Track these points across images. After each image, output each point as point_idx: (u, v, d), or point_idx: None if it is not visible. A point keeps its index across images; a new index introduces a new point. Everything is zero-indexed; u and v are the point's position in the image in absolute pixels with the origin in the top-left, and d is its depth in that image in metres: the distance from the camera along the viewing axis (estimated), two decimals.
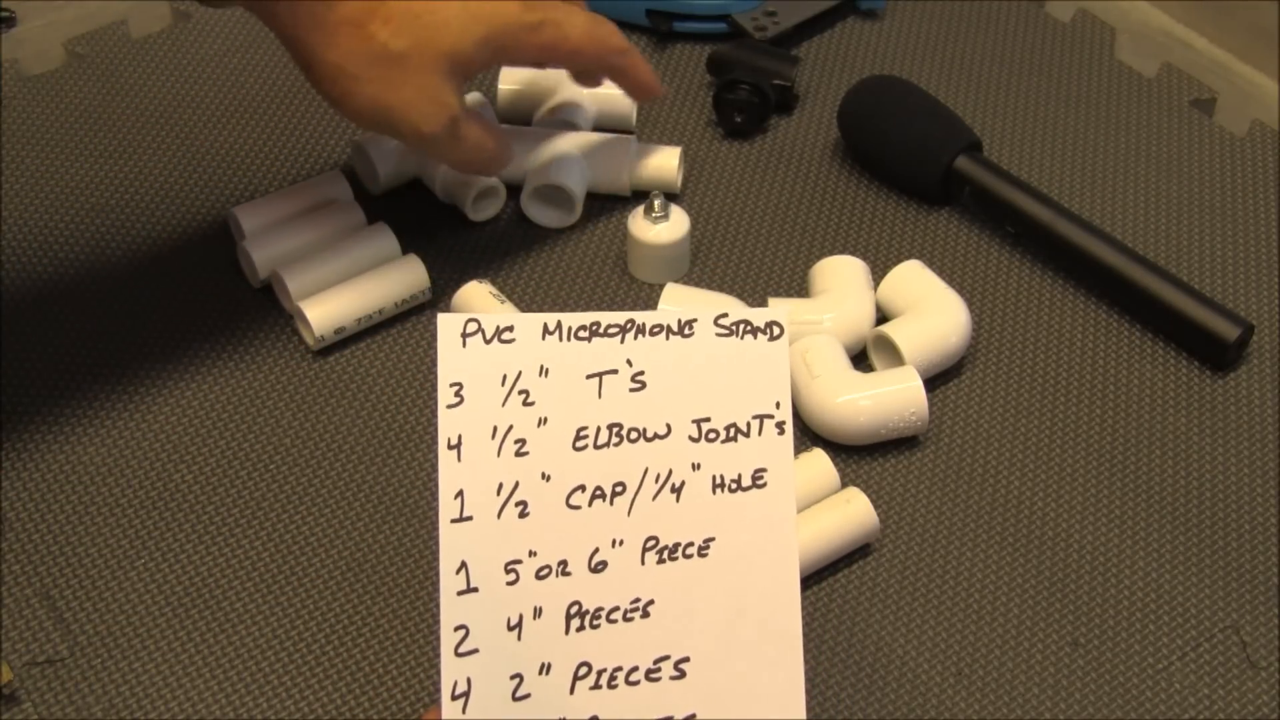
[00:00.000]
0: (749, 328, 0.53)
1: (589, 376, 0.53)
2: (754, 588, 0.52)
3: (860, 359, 0.72)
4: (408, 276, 0.73)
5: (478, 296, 0.72)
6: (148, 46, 0.87)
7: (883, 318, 0.73)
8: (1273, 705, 0.61)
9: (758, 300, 0.74)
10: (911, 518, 0.67)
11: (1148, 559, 0.66)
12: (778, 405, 0.53)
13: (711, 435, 0.53)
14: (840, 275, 0.73)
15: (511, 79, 0.82)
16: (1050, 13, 0.90)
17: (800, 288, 0.75)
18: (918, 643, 0.63)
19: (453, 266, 0.76)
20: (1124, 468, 0.69)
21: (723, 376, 0.53)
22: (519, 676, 0.52)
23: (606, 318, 0.53)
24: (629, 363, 0.53)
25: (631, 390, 0.53)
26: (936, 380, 0.71)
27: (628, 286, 0.76)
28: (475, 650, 0.51)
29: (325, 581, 0.64)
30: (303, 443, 0.69)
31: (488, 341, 0.53)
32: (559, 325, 0.53)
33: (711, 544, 0.52)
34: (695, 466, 0.52)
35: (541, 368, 0.53)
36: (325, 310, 0.71)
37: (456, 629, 0.51)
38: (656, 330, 0.53)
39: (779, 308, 0.54)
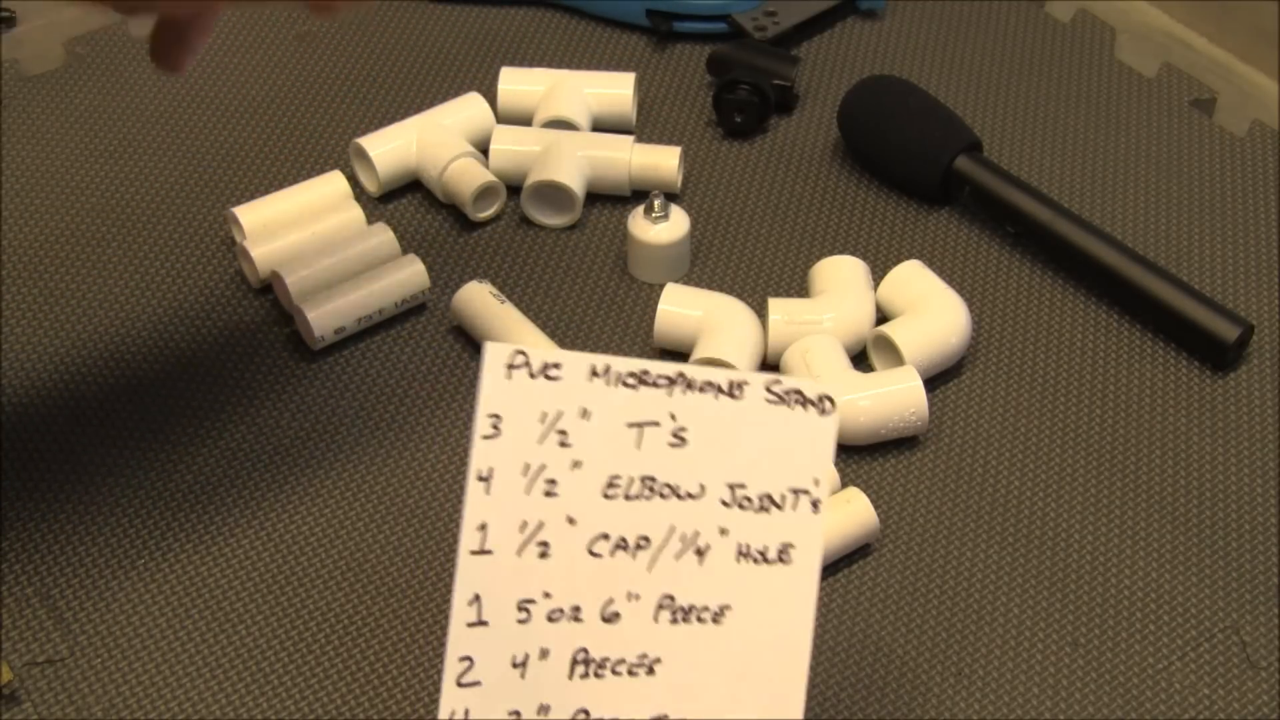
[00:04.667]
0: (800, 398, 0.51)
1: (630, 425, 0.51)
2: (763, 661, 0.51)
3: (860, 359, 0.72)
4: (408, 276, 0.73)
5: (478, 296, 0.72)
6: (148, 46, 0.87)
7: (883, 318, 0.73)
8: (1273, 705, 0.61)
9: (758, 300, 0.73)
10: (911, 518, 0.67)
11: (1148, 559, 0.66)
12: (816, 483, 0.51)
13: (744, 502, 0.51)
14: (840, 275, 0.73)
15: (511, 79, 0.82)
16: (1050, 13, 0.90)
17: (800, 288, 0.75)
18: (918, 643, 0.63)
19: (453, 266, 0.76)
20: (1124, 468, 0.69)
21: (765, 444, 0.51)
22: (516, 714, 0.51)
23: (656, 367, 0.51)
24: (672, 417, 0.51)
25: (671, 445, 0.51)
26: (936, 380, 0.71)
27: (628, 286, 0.76)
28: (477, 683, 0.51)
29: (325, 581, 0.64)
30: (303, 443, 0.69)
31: (533, 376, 0.51)
32: (607, 369, 0.51)
33: (728, 611, 0.51)
34: (723, 531, 0.51)
35: (583, 410, 0.51)
36: (325, 310, 0.71)
37: (462, 659, 0.51)
38: (706, 388, 0.51)
39: (832, 384, 0.52)
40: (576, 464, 0.51)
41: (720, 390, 0.51)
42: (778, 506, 0.51)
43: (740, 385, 0.51)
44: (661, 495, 0.51)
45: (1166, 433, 0.70)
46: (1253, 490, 0.68)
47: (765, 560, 0.51)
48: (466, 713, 0.51)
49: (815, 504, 0.51)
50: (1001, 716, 0.61)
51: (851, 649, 0.62)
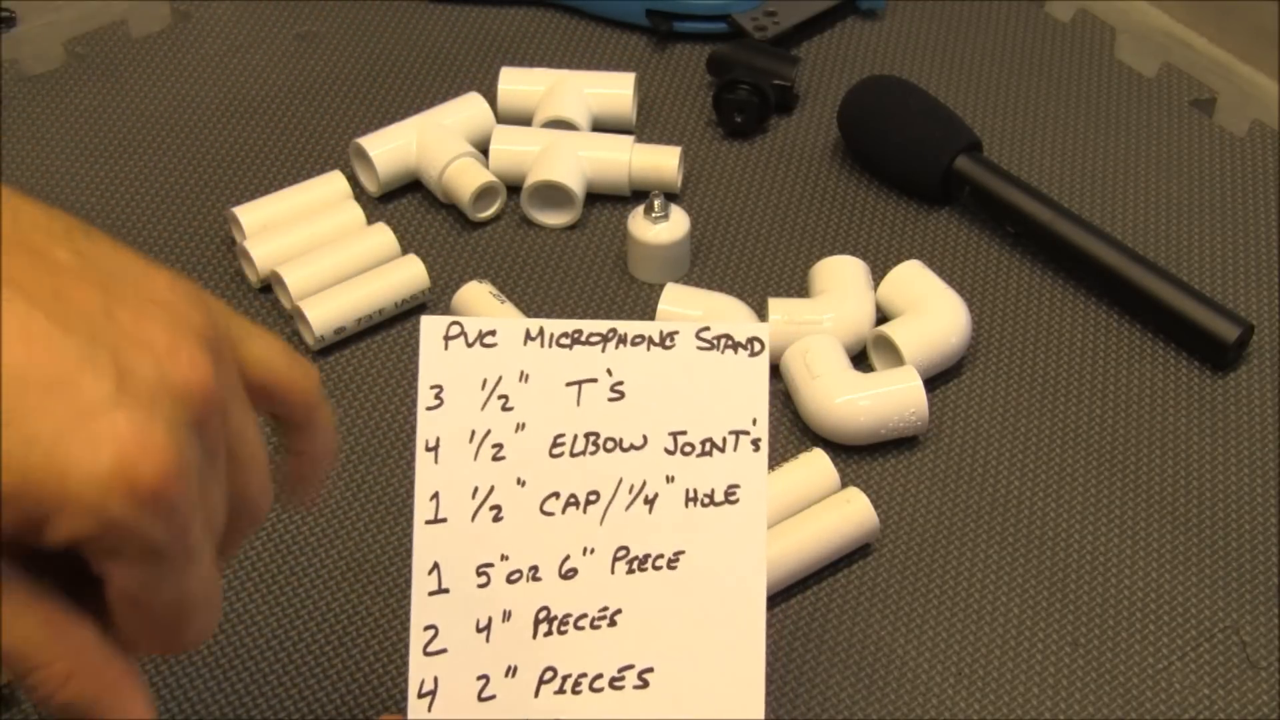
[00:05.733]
0: (730, 342, 0.52)
1: (569, 384, 0.52)
2: (721, 602, 0.52)
3: (860, 359, 0.72)
4: (408, 276, 0.73)
5: (478, 296, 0.72)
6: (148, 46, 0.87)
7: (883, 318, 0.73)
8: (1273, 705, 0.61)
9: (758, 300, 0.73)
10: (911, 518, 0.67)
11: (1148, 559, 0.66)
12: (754, 422, 0.52)
13: (687, 449, 0.52)
14: (840, 275, 0.73)
15: (511, 79, 0.82)
16: (1050, 13, 0.90)
17: (800, 288, 0.75)
18: (918, 643, 0.63)
19: (453, 266, 0.76)
20: (1124, 468, 0.69)
21: (701, 390, 0.52)
22: (485, 678, 0.52)
23: (589, 325, 0.53)
24: (609, 372, 0.53)
25: (610, 400, 0.52)
26: (936, 380, 0.71)
27: (628, 286, 0.76)
28: (444, 650, 0.52)
29: (325, 581, 0.64)
30: None
31: (470, 345, 0.53)
32: (541, 331, 0.53)
33: (681, 557, 0.52)
34: (669, 479, 0.52)
35: (522, 373, 0.52)
36: (325, 310, 0.71)
37: (426, 628, 0.52)
38: (638, 340, 0.53)
39: (762, 323, 0.54)
40: (520, 426, 0.52)
41: (652, 342, 0.53)
42: (719, 449, 0.52)
43: (671, 335, 0.53)
44: (606, 449, 0.52)
45: (1166, 433, 0.70)
46: (1253, 490, 0.68)
47: (713, 503, 0.52)
48: (435, 681, 0.51)
49: (755, 443, 0.52)
50: (1001, 716, 0.61)
51: (851, 649, 0.62)
